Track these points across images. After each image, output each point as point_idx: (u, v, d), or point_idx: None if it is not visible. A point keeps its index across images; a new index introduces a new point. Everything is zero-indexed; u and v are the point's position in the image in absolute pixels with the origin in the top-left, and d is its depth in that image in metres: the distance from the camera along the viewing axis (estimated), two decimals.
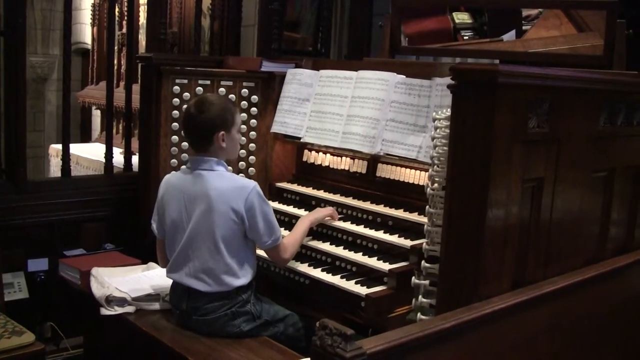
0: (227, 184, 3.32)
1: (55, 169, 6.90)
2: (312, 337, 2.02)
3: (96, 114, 8.44)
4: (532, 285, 2.63)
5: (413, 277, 2.86)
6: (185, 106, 4.12)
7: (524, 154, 2.53)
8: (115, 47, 6.81)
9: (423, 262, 2.80)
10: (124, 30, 6.56)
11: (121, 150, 5.09)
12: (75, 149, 6.56)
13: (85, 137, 8.81)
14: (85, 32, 8.75)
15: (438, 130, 2.76)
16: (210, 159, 3.36)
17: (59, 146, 6.45)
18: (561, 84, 2.67)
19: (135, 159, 4.80)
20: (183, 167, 4.07)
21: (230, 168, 3.49)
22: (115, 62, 6.72)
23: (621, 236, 3.28)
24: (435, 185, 2.79)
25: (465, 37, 5.24)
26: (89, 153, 6.50)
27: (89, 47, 8.40)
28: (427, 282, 2.80)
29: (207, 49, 5.88)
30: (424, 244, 2.84)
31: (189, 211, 3.35)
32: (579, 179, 2.87)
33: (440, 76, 3.53)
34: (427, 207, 2.81)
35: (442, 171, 2.71)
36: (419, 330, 2.15)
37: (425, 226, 2.83)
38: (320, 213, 3.76)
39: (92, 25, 8.14)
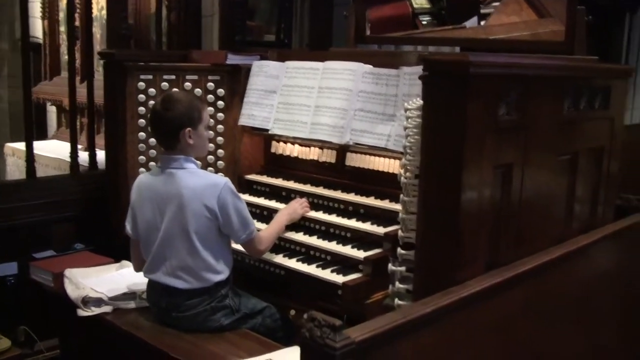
0: (198, 182, 3.33)
1: (12, 168, 6.76)
2: (302, 330, 2.06)
3: (51, 110, 8.30)
4: (505, 266, 2.71)
5: (389, 264, 2.92)
6: (151, 102, 4.15)
7: (494, 141, 2.60)
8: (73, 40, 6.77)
9: (399, 249, 2.86)
10: (77, 23, 6.46)
11: (81, 146, 5.04)
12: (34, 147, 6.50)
13: (41, 134, 8.66)
14: (36, 26, 8.57)
15: (410, 120, 2.80)
16: (179, 157, 3.37)
17: (15, 145, 6.41)
18: (529, 72, 2.75)
19: (100, 155, 4.78)
20: (153, 165, 4.08)
21: (199, 163, 3.50)
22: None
23: (585, 215, 3.37)
24: (409, 174, 2.84)
25: (423, 22, 5.30)
26: (48, 151, 6.39)
27: (40, 41, 8.25)
28: (403, 268, 2.86)
29: (165, 41, 5.83)
30: (399, 231, 2.89)
31: (162, 211, 3.36)
32: (546, 162, 2.95)
33: (407, 65, 3.59)
34: (401, 195, 2.86)
35: (415, 160, 2.76)
36: (401, 317, 2.21)
37: (400, 214, 2.88)
38: (297, 212, 3.78)
39: (43, 18, 7.98)
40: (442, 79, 2.49)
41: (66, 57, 6.50)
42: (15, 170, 6.35)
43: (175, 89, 4.23)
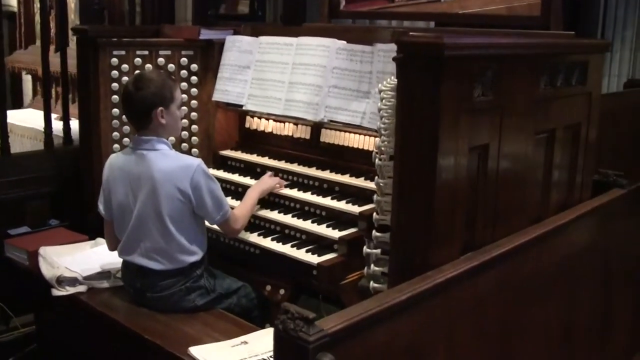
0: (171, 164, 3.28)
1: None
2: (275, 322, 2.03)
3: (27, 79, 8.20)
4: (481, 249, 2.70)
5: (364, 247, 2.91)
6: (124, 78, 4.10)
7: (469, 122, 2.57)
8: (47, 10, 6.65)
9: (374, 231, 2.84)
10: None
11: (57, 115, 4.98)
12: (8, 116, 6.40)
13: (17, 104, 8.57)
14: None
15: (384, 101, 2.78)
16: (152, 138, 3.32)
17: None
18: (504, 52, 2.73)
19: (74, 126, 4.73)
20: (126, 147, 4.01)
21: (171, 143, 3.45)
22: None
23: (563, 192, 3.37)
24: (384, 155, 2.81)
25: None
26: (23, 120, 6.31)
27: (15, 9, 8.13)
28: (378, 250, 2.84)
29: (139, 10, 5.74)
30: (374, 213, 2.87)
31: (135, 193, 3.32)
32: (523, 141, 2.94)
33: (382, 41, 3.54)
34: (376, 177, 2.84)
35: (390, 142, 2.73)
36: (376, 305, 2.20)
37: (375, 196, 2.87)
38: (268, 184, 3.77)
39: None
40: (416, 61, 2.46)
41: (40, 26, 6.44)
42: None
43: (148, 65, 4.18)
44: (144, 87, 3.28)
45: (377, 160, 2.84)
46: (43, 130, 4.87)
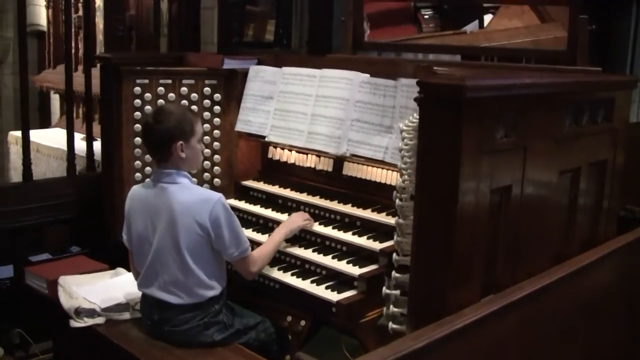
0: (191, 197, 3.27)
1: (15, 157, 6.77)
2: None
3: (55, 98, 8.28)
4: (501, 292, 2.65)
5: (384, 287, 2.87)
6: (147, 107, 4.11)
7: (491, 164, 2.53)
8: (72, 30, 6.70)
9: (393, 272, 2.80)
10: (80, 12, 6.41)
11: (82, 136, 5.02)
12: (36, 135, 6.43)
13: (45, 122, 8.64)
14: (40, 14, 8.51)
15: (405, 140, 2.75)
16: (172, 171, 3.32)
17: (19, 133, 6.35)
18: (527, 92, 2.67)
19: (97, 145, 4.76)
20: (147, 178, 3.99)
21: (195, 180, 3.45)
22: (73, 44, 6.60)
23: (587, 230, 3.31)
24: (405, 195, 2.78)
25: (425, 17, 5.23)
26: (50, 140, 6.37)
27: (44, 29, 8.22)
28: (397, 291, 2.80)
29: (166, 32, 5.78)
30: (394, 254, 2.83)
31: (154, 225, 3.32)
32: (546, 181, 2.89)
33: (405, 75, 3.51)
34: (397, 218, 2.80)
35: (411, 182, 2.70)
36: (391, 354, 2.16)
37: (395, 236, 2.83)
38: (297, 224, 3.69)
39: (47, 7, 7.95)
40: (437, 102, 2.43)
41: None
42: (18, 159, 6.28)
43: (171, 95, 4.20)
44: (164, 120, 3.27)
45: (397, 200, 2.80)
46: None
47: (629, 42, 5.53)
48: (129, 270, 3.74)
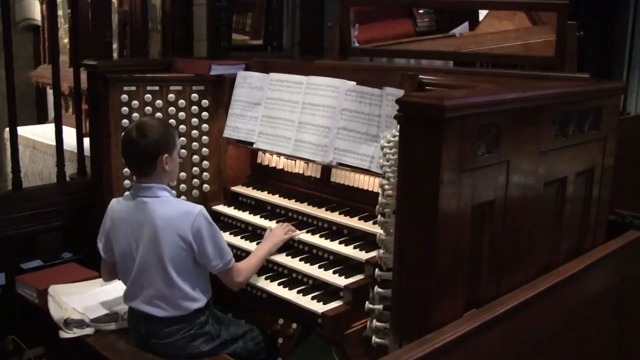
0: (172, 211, 3.26)
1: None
2: None
3: (51, 93, 8.21)
4: (484, 307, 2.63)
5: (367, 302, 2.86)
6: (135, 114, 4.10)
7: (473, 181, 2.51)
8: (66, 26, 6.69)
9: (376, 287, 2.79)
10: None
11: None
12: (32, 132, 6.41)
13: (42, 117, 8.61)
14: (35, 9, 8.48)
15: (387, 156, 2.73)
16: (153, 185, 3.30)
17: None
18: (510, 107, 2.65)
19: (87, 142, 4.72)
20: (126, 193, 3.97)
21: (174, 192, 3.45)
22: (67, 40, 6.58)
23: (575, 237, 3.28)
24: (387, 211, 2.77)
25: (420, 11, 5.20)
26: (46, 137, 6.31)
27: (39, 23, 8.17)
28: (380, 306, 2.80)
29: (159, 28, 5.76)
30: (376, 270, 2.82)
31: (137, 240, 3.30)
32: (531, 193, 2.87)
33: (392, 83, 3.49)
34: (378, 234, 2.79)
35: (392, 199, 2.69)
36: None
37: (378, 251, 2.82)
38: (279, 238, 3.68)
39: (41, 2, 7.91)
40: (417, 120, 2.41)
41: (65, 40, 6.46)
42: None
43: (158, 102, 4.20)
44: (148, 133, 3.26)
45: (379, 216, 2.79)
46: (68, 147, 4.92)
47: (626, 45, 5.51)
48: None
